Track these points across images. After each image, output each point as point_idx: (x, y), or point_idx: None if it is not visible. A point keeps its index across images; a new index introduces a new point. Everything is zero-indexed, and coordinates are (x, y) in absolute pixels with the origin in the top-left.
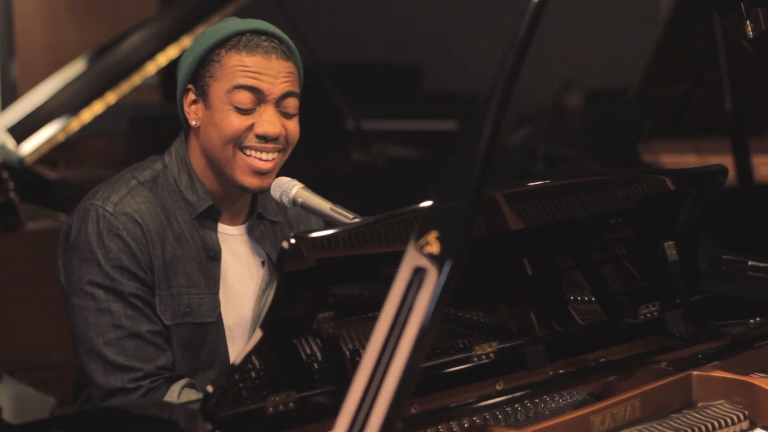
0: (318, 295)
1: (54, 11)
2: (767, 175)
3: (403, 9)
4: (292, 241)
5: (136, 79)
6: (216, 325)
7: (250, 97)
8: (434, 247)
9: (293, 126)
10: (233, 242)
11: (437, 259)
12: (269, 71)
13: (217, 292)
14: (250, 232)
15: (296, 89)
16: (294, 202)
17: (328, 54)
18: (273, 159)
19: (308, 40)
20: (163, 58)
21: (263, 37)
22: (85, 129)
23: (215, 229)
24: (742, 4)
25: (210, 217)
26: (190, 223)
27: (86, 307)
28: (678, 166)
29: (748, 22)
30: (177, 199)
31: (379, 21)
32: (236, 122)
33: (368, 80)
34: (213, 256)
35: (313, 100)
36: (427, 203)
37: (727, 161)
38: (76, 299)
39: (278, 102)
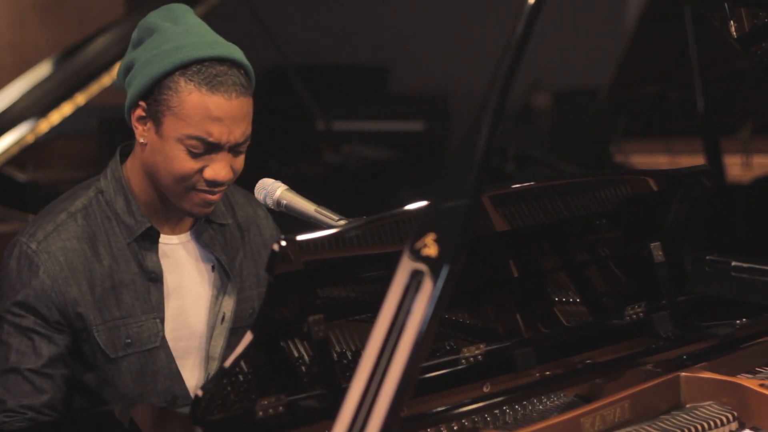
0: (308, 297)
1: (20, 12)
2: (738, 175)
3: (371, 10)
4: (283, 243)
5: (105, 81)
6: (162, 349)
7: (204, 146)
8: (432, 250)
9: (240, 162)
10: (179, 252)
11: (435, 262)
12: (228, 115)
13: (157, 316)
14: (198, 238)
15: (250, 130)
16: (278, 204)
17: (297, 55)
18: (220, 192)
19: (277, 41)
20: None
21: (224, 68)
22: (54, 130)
23: (155, 250)
24: (725, 4)
25: (149, 238)
26: (126, 248)
27: None
28: (649, 167)
29: (731, 22)
30: (112, 225)
31: (347, 22)
32: (187, 165)
33: (336, 81)
34: (154, 278)
35: (283, 101)
36: (414, 206)
37: (698, 161)
38: None
39: (231, 147)
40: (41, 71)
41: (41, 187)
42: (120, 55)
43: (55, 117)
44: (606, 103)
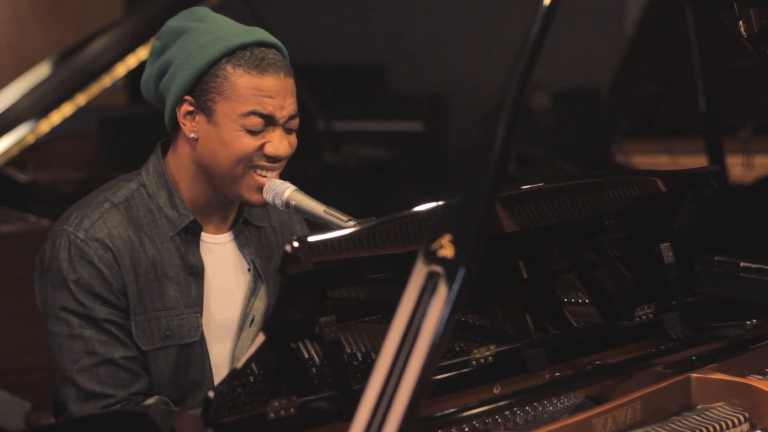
0: (320, 299)
1: (18, 12)
2: (740, 175)
3: (371, 10)
4: (295, 244)
5: (106, 81)
6: (200, 344)
7: (262, 121)
8: (448, 251)
9: (294, 141)
10: (219, 251)
11: (451, 264)
12: (280, 93)
13: (197, 311)
14: (236, 238)
15: (297, 108)
16: (287, 204)
17: (297, 55)
18: (276, 175)
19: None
20: (133, 60)
21: (267, 50)
22: (54, 130)
23: (197, 244)
24: (734, 4)
25: (191, 232)
26: (168, 241)
27: (60, 334)
28: (650, 167)
29: (741, 22)
30: (154, 218)
31: (347, 22)
32: (248, 144)
33: (336, 81)
34: (195, 273)
35: None
36: (424, 207)
37: (700, 161)
38: (50, 325)
39: (284, 123)
40: (41, 72)
41: (41, 187)
42: (120, 56)
43: (56, 117)
44: (606, 103)
